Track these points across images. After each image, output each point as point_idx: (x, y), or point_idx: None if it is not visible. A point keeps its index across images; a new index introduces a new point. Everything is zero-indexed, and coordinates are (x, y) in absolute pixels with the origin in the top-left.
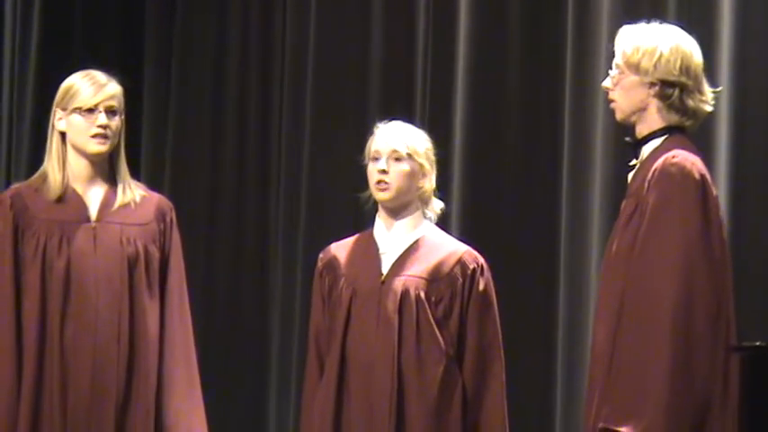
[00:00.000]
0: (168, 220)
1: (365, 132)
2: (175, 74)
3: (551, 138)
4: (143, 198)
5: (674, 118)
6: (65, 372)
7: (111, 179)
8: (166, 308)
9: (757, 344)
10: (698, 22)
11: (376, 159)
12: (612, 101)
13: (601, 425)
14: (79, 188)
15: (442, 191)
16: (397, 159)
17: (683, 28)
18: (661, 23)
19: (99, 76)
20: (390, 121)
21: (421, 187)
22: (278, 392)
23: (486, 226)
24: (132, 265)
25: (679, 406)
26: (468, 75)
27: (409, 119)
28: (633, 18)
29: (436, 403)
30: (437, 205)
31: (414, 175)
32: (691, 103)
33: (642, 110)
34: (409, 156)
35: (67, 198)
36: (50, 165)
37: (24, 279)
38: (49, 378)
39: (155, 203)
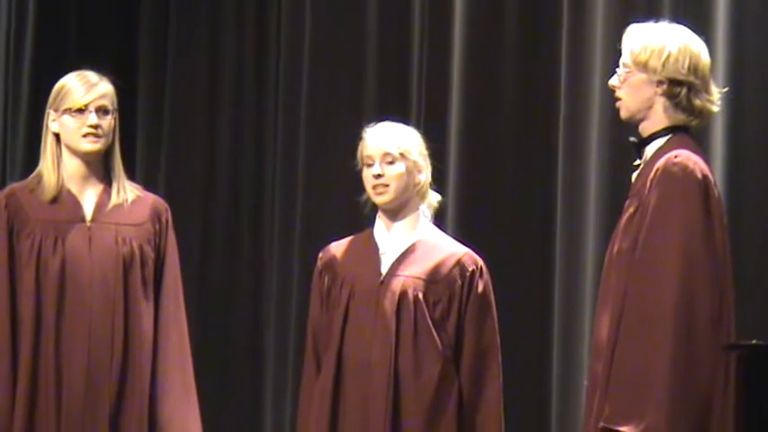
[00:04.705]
0: (164, 220)
1: (362, 131)
2: (170, 76)
3: (547, 135)
4: (138, 198)
5: (681, 117)
6: (60, 372)
7: (107, 179)
8: (161, 308)
9: (753, 342)
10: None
11: (369, 165)
12: (619, 99)
13: (602, 424)
14: (74, 188)
15: (438, 187)
16: (391, 162)
17: None
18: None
19: (90, 75)
20: (379, 122)
21: (418, 183)
22: (274, 392)
23: (482, 223)
24: (127, 265)
25: (681, 406)
26: (464, 72)
27: (405, 118)
28: (629, 19)
29: (432, 404)
30: (434, 198)
31: (409, 174)
32: (698, 102)
33: (648, 108)
34: (402, 155)
35: (62, 198)
36: (45, 166)
37: (19, 279)
38: (44, 378)
39: (150, 204)
